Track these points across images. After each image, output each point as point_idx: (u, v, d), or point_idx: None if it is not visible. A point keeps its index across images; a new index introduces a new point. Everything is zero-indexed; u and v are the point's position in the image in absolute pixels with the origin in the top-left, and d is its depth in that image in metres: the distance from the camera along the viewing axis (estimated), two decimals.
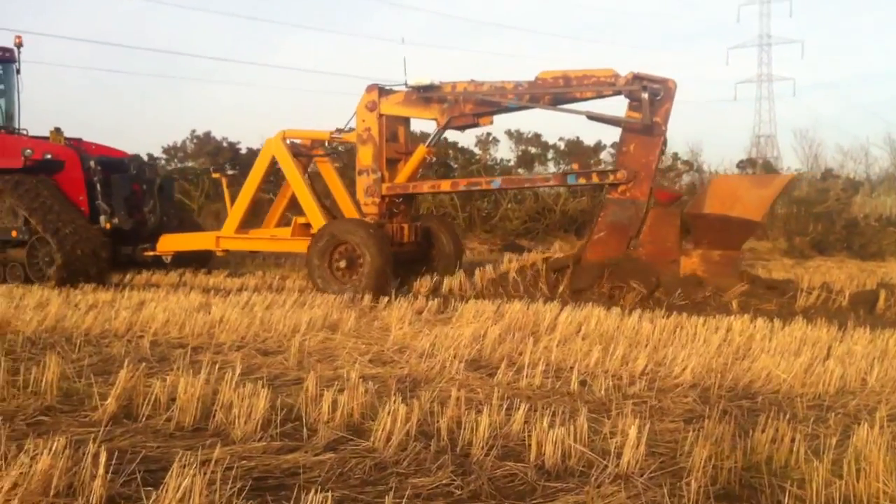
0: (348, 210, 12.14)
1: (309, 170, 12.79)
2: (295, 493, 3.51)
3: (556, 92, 10.65)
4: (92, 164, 12.86)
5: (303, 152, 12.37)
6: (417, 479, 3.83)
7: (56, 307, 8.64)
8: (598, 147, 22.90)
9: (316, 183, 12.66)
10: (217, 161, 24.00)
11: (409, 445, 4.23)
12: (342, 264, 10.70)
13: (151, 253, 12.96)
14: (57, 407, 5.11)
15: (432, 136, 11.88)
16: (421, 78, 11.09)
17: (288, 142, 12.01)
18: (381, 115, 11.23)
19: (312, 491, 3.36)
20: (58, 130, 13.55)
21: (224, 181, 13.15)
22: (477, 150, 23.44)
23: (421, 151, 11.47)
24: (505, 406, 4.78)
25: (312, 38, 67.72)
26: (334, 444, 4.34)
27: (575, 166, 12.59)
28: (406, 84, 11.19)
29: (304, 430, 4.51)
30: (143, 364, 5.71)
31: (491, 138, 23.20)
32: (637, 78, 10.08)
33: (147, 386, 5.13)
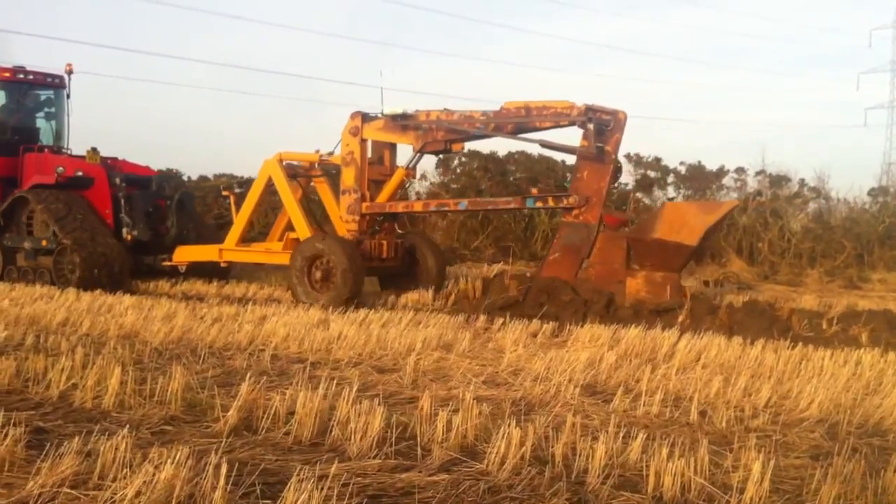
0: (340, 227, 12.70)
1: (307, 189, 13.59)
2: None
3: (518, 121, 11.39)
4: (118, 180, 14.15)
5: (300, 173, 13.20)
6: None
7: (182, 319, 8.94)
8: (721, 172, 22.37)
9: (313, 201, 13.55)
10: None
11: (524, 470, 4.19)
12: (318, 276, 11.61)
13: (168, 263, 13.91)
14: (181, 417, 5.27)
15: (409, 160, 12.51)
16: (395, 107, 11.98)
17: (285, 163, 12.93)
18: (363, 140, 12.18)
19: None
20: (94, 150, 14.70)
21: (232, 198, 14.01)
22: None
23: (399, 174, 12.36)
24: (622, 434, 4.68)
25: (432, 61, 68.48)
26: (448, 465, 4.33)
27: (534, 191, 13.35)
28: (381, 113, 12.07)
29: (419, 449, 4.52)
30: (264, 378, 5.83)
31: None
32: (589, 109, 10.75)
33: (267, 399, 5.24)
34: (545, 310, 9.70)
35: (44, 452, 3.96)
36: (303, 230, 12.51)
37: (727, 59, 76.89)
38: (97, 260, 13.10)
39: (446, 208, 15.46)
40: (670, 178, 22.83)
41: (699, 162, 22.56)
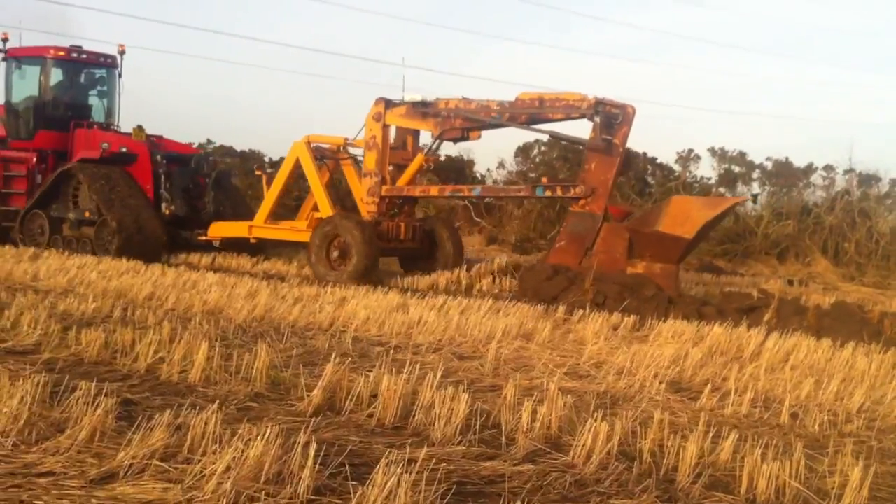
0: (363, 208, 13.04)
1: (334, 171, 14.07)
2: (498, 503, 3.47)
3: (532, 112, 11.73)
4: (159, 157, 14.85)
5: (328, 155, 13.67)
6: (620, 501, 3.71)
7: (265, 298, 9.03)
8: (810, 169, 21.79)
9: (342, 183, 14.07)
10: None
11: (611, 465, 4.10)
12: (336, 254, 12.16)
13: (203, 238, 14.51)
14: (265, 394, 5.31)
15: (429, 146, 12.89)
16: (414, 94, 12.48)
17: (313, 146, 13.39)
18: (385, 125, 12.60)
19: (515, 502, 3.31)
20: (140, 128, 15.49)
21: (264, 178, 14.32)
22: (677, 167, 22.86)
23: (419, 159, 12.75)
24: (711, 433, 4.55)
25: (510, 49, 68.03)
26: (532, 456, 4.28)
27: (544, 180, 13.42)
28: (402, 100, 12.51)
29: (503, 438, 4.47)
30: (347, 359, 5.84)
31: (693, 155, 22.56)
32: (599, 103, 10.95)
33: (351, 381, 5.24)
34: (626, 304, 9.54)
35: (135, 424, 4.01)
36: (326, 210, 13.01)
37: (815, 53, 74.74)
38: (135, 232, 13.85)
39: (460, 193, 15.92)
40: (756, 174, 22.32)
41: (786, 158, 22.02)
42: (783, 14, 73.91)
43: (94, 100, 16.55)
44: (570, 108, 11.36)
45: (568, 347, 7.41)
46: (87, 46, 16.24)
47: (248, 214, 14.60)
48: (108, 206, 13.98)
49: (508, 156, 23.15)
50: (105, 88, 16.52)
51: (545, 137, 23.86)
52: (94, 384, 4.52)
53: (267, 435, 3.75)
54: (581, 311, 9.10)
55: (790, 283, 14.54)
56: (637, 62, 67.60)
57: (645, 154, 21.81)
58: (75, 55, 15.89)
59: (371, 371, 5.49)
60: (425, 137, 13.08)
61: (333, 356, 5.51)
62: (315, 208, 13.55)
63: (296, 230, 13.56)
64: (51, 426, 4.09)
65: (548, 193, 12.33)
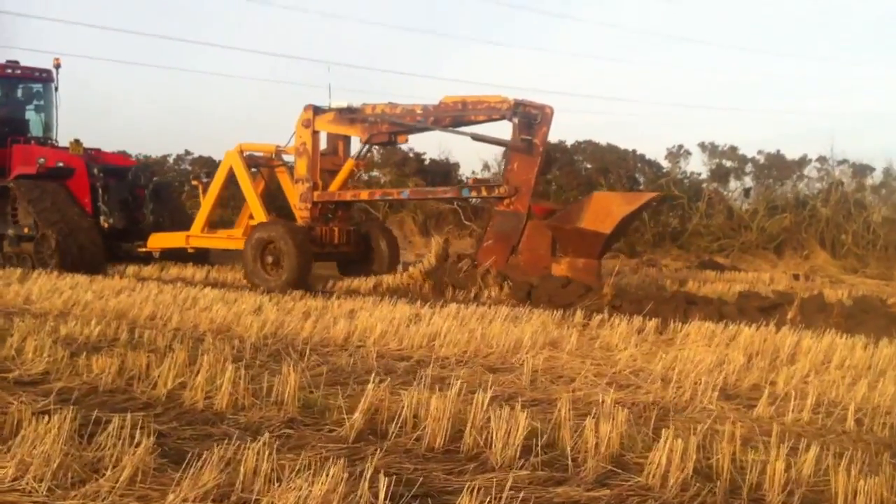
0: (297, 214, 13.22)
1: (269, 178, 14.12)
2: None
3: (455, 115, 11.95)
4: (96, 171, 14.96)
5: (261, 163, 13.84)
6: None
7: (273, 313, 8.71)
8: (804, 161, 21.65)
9: (276, 189, 14.26)
10: (404, 171, 24.29)
11: (691, 486, 3.82)
12: (270, 260, 12.28)
13: (143, 249, 14.64)
14: (299, 419, 4.99)
15: (358, 151, 13.25)
16: (340, 101, 12.72)
17: (246, 154, 13.61)
18: (315, 132, 12.82)
19: None
20: (77, 141, 15.50)
21: (200, 186, 14.55)
22: (666, 164, 22.69)
23: (349, 164, 13.05)
24: (786, 445, 4.28)
25: (481, 52, 67.78)
26: (604, 479, 3.99)
27: (471, 180, 13.84)
28: (329, 106, 12.73)
29: (568, 460, 4.18)
30: (376, 377, 5.52)
31: (682, 151, 22.41)
32: (518, 104, 11.27)
33: (393, 402, 4.94)
34: (650, 307, 9.28)
35: (183, 463, 3.68)
36: (260, 217, 13.20)
37: (788, 47, 75.09)
38: (73, 246, 13.93)
39: (390, 197, 16.25)
40: (748, 168, 22.14)
41: (778, 151, 21.88)
42: (753, 10, 74.14)
43: (31, 115, 16.63)
44: (492, 110, 11.60)
45: (597, 355, 7.13)
46: (27, 56, 16.24)
47: (188, 224, 14.57)
48: (46, 221, 14.08)
49: (493, 158, 22.96)
50: (42, 103, 16.61)
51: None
52: (127, 417, 4.18)
53: (331, 470, 3.43)
54: (600, 316, 8.85)
55: (796, 277, 14.35)
56: (616, 62, 67.44)
57: (634, 151, 21.68)
58: (10, 71, 16.01)
59: (404, 389, 5.20)
60: (357, 143, 13.25)
61: (374, 376, 5.18)
62: (251, 216, 13.67)
63: (232, 238, 13.74)
64: (85, 467, 3.75)
65: (473, 194, 12.63)
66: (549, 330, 7.91)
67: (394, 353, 7.16)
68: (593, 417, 4.48)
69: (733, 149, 22.18)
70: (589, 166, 22.49)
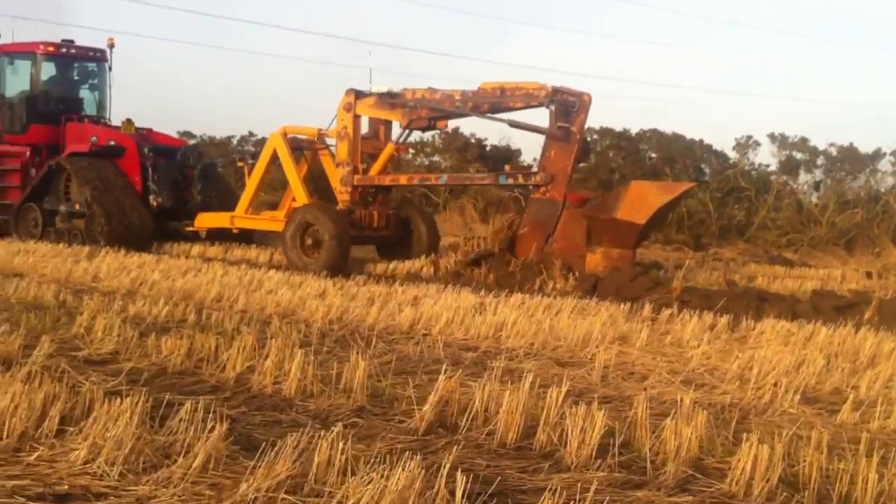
0: (338, 197, 13.30)
1: (312, 161, 14.36)
2: None
3: (494, 101, 11.95)
4: (146, 150, 15.25)
5: (305, 146, 13.95)
6: None
7: (337, 299, 8.68)
8: (878, 154, 21.01)
9: (320, 172, 14.42)
10: (465, 157, 24.17)
11: (777, 496, 3.66)
12: (309, 242, 12.35)
13: (190, 228, 14.88)
14: (368, 409, 4.92)
15: (398, 135, 13.23)
16: (380, 86, 12.78)
17: (290, 136, 13.70)
18: (356, 116, 12.89)
19: None
20: (129, 121, 15.75)
21: (246, 169, 14.59)
22: (734, 154, 22.20)
23: (389, 149, 13.03)
24: (877, 455, 4.08)
25: (541, 35, 67.15)
26: (684, 484, 3.85)
27: (507, 167, 13.44)
28: (370, 91, 12.79)
29: (647, 462, 4.04)
30: (458, 370, 5.42)
31: (751, 141, 21.89)
32: (556, 91, 11.22)
33: (463, 394, 4.84)
34: (722, 303, 9.04)
35: (259, 451, 3.63)
36: (302, 200, 13.31)
37: (859, 36, 73.03)
38: (123, 223, 14.34)
39: (429, 182, 16.32)
40: (820, 160, 21.54)
41: (851, 143, 21.21)
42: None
43: (85, 93, 16.94)
44: (529, 97, 11.58)
45: (669, 351, 6.95)
46: (87, 35, 16.63)
47: (235, 205, 14.71)
48: (97, 198, 14.42)
49: None
50: (95, 82, 16.94)
51: (597, 126, 23.46)
52: (199, 402, 4.14)
53: (408, 465, 3.34)
54: (669, 311, 8.65)
55: (869, 275, 13.93)
56: (681, 48, 66.35)
57: (701, 141, 21.26)
58: (65, 50, 16.34)
59: (473, 381, 5.10)
60: (398, 127, 13.25)
61: (444, 367, 5.08)
62: (294, 199, 13.75)
63: (275, 220, 13.82)
64: (157, 452, 3.72)
65: (510, 181, 12.60)
66: (619, 324, 7.74)
67: (460, 342, 7.07)
68: (672, 419, 4.33)
69: (804, 140, 21.62)
70: (654, 155, 22.12)
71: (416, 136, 28.87)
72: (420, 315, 7.92)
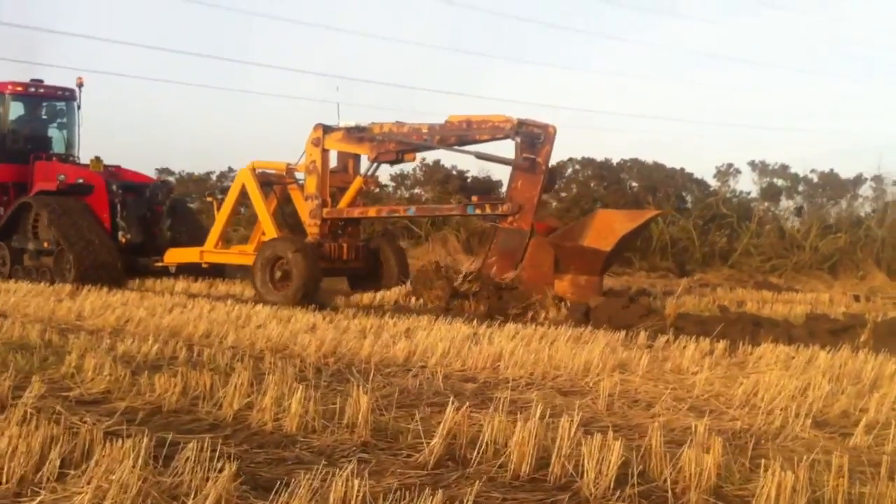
0: (308, 230, 13.52)
1: (281, 195, 14.46)
2: None
3: (461, 134, 12.13)
4: (115, 187, 15.31)
5: (274, 180, 14.10)
6: None
7: (329, 332, 8.54)
8: (859, 180, 21.20)
9: (288, 205, 14.61)
10: (447, 188, 24.14)
11: None
12: (279, 275, 12.41)
13: (160, 264, 14.94)
14: (373, 443, 4.79)
15: (366, 169, 13.34)
16: (348, 121, 12.95)
17: (259, 171, 13.86)
18: (324, 150, 13.07)
19: None
20: (97, 159, 15.86)
21: (215, 204, 14.85)
22: (714, 182, 22.32)
23: (357, 182, 13.32)
24: None
25: (521, 70, 67.78)
26: None
27: (475, 199, 13.61)
28: (338, 125, 12.99)
29: (668, 493, 3.94)
30: (459, 401, 5.30)
31: (732, 169, 22.04)
32: (521, 123, 11.45)
33: (471, 426, 4.72)
34: (719, 329, 8.99)
35: (273, 491, 3.50)
36: (271, 234, 13.47)
37: (837, 68, 74.11)
38: (91, 260, 14.30)
39: (397, 214, 16.48)
40: (801, 187, 21.69)
41: (832, 170, 21.39)
42: (799, 31, 73.30)
43: (53, 132, 17.11)
44: (496, 130, 11.76)
45: (669, 378, 6.86)
46: (62, 73, 16.72)
47: (204, 239, 14.76)
48: (65, 236, 14.44)
49: None
50: (64, 121, 17.09)
51: (579, 156, 23.51)
52: (205, 441, 4.00)
53: (427, 500, 3.22)
54: (665, 338, 8.58)
55: (856, 298, 13.95)
56: (661, 81, 67.01)
57: (682, 170, 21.32)
58: (33, 90, 16.48)
59: (476, 412, 4.99)
60: (367, 161, 13.38)
61: (451, 400, 4.97)
62: (263, 233, 13.88)
63: (244, 254, 13.94)
64: (164, 494, 3.58)
65: (478, 211, 12.70)
66: (617, 352, 7.65)
67: (458, 374, 6.95)
68: (690, 446, 4.23)
69: (784, 167, 21.82)
70: (635, 185, 22.18)
71: (396, 168, 29.02)
72: (415, 347, 7.80)
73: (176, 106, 59.99)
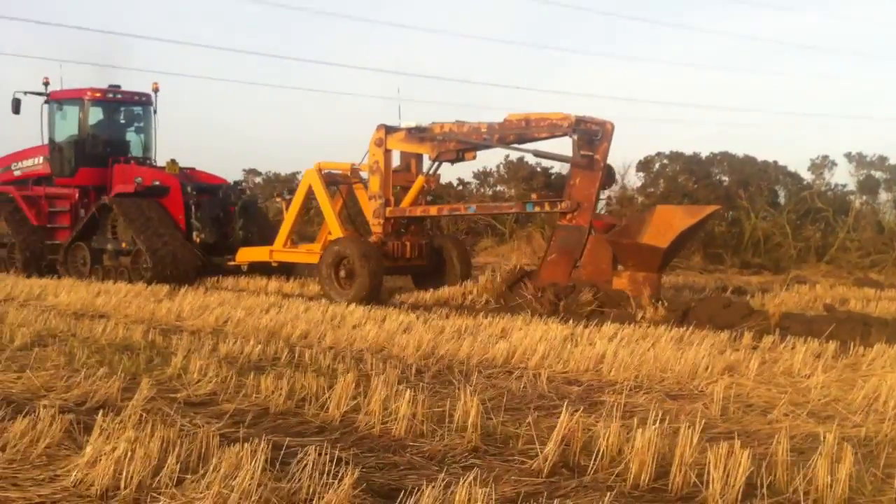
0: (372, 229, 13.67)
1: (347, 195, 14.74)
2: None
3: (519, 132, 12.16)
4: (189, 189, 15.81)
5: (339, 180, 14.34)
6: None
7: (426, 333, 8.48)
8: None
9: (354, 205, 14.87)
10: (531, 186, 23.97)
11: None
12: (343, 274, 12.62)
13: (232, 263, 15.30)
14: (483, 448, 4.71)
15: (428, 168, 13.49)
16: (409, 121, 13.08)
17: (325, 172, 14.07)
18: (387, 150, 13.23)
19: None
20: (173, 161, 16.41)
21: (284, 204, 15.05)
22: (809, 175, 21.64)
23: (419, 181, 13.45)
24: None
25: (595, 62, 66.87)
26: None
27: (534, 196, 13.86)
28: (399, 126, 13.11)
29: None
30: (564, 404, 5.18)
31: (828, 161, 21.32)
32: (579, 121, 11.40)
33: (586, 432, 4.60)
34: (831, 329, 8.67)
35: (397, 501, 3.44)
36: (337, 233, 13.66)
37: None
38: (167, 260, 14.76)
39: (458, 212, 16.41)
40: None
41: None
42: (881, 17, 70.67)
43: (131, 136, 17.53)
44: (554, 127, 11.74)
45: (781, 381, 6.61)
46: (136, 76, 17.21)
47: (274, 239, 15.01)
48: (142, 236, 14.90)
49: (629, 171, 22.36)
50: (141, 125, 17.54)
51: (667, 151, 23.08)
52: (325, 448, 3.97)
53: None
54: (770, 339, 8.30)
55: None
56: (749, 72, 65.42)
57: (775, 163, 20.76)
58: (111, 95, 16.95)
59: (584, 416, 4.86)
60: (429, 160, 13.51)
61: (566, 406, 4.85)
62: (330, 232, 14.10)
63: (311, 252, 14.15)
64: (283, 501, 3.56)
65: (537, 209, 13.03)
66: (726, 354, 7.42)
67: (560, 376, 6.83)
68: (820, 455, 4.04)
69: (883, 159, 21.02)
70: (726, 179, 21.67)
71: (479, 165, 28.92)
72: (514, 348, 7.70)
73: (260, 107, 60.93)
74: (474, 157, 13.35)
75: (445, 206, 16.26)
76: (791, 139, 48.77)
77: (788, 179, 21.60)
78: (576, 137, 11.38)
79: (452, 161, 13.31)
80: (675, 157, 21.74)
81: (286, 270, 15.59)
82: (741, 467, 3.91)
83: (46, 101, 16.94)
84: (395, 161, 13.72)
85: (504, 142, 12.58)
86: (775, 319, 9.19)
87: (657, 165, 22.03)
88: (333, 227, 13.83)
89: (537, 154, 12.61)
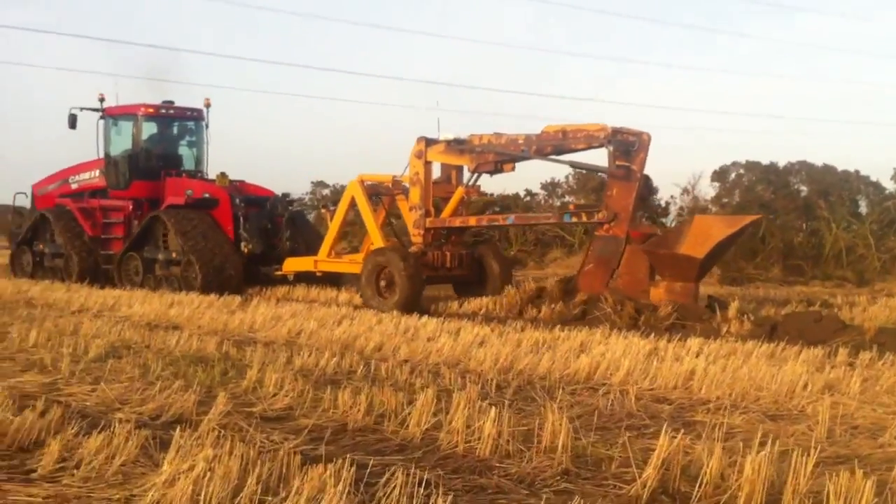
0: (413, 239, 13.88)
1: (390, 206, 14.82)
2: None
3: (556, 143, 12.23)
4: (238, 201, 16.10)
5: (382, 191, 14.48)
6: None
7: (502, 346, 8.23)
8: None
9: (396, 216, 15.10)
10: (600, 197, 23.57)
11: None
12: (383, 283, 12.79)
13: (279, 273, 15.52)
14: (574, 471, 4.44)
15: (467, 179, 13.64)
16: (447, 134, 13.23)
17: (367, 184, 14.27)
18: (427, 162, 13.40)
19: None
20: (223, 174, 16.65)
21: (327, 215, 15.54)
22: (892, 185, 20.88)
23: (459, 192, 13.60)
24: None
25: (657, 73, 65.88)
26: None
27: (571, 206, 13.91)
28: (438, 139, 13.28)
29: None
30: (681, 430, 4.88)
31: None
32: (616, 132, 11.47)
33: (685, 455, 4.30)
34: None
35: None
36: (378, 243, 13.84)
37: None
38: (216, 270, 15.04)
39: (497, 223, 16.50)
40: None
41: None
42: None
43: (183, 150, 17.92)
44: (591, 138, 11.82)
45: (887, 400, 6.21)
46: (194, 90, 17.55)
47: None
48: (192, 247, 15.20)
49: (703, 181, 21.83)
50: (193, 139, 17.92)
51: (743, 160, 22.50)
52: (412, 472, 3.75)
53: None
54: (868, 355, 7.86)
55: None
56: (824, 82, 63.88)
57: (857, 172, 20.03)
58: (164, 111, 17.35)
59: (686, 438, 4.55)
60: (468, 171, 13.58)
61: (665, 427, 4.56)
62: (372, 242, 14.28)
63: (354, 263, 14.31)
64: None
65: (574, 219, 13.18)
66: (824, 371, 7.02)
67: (648, 393, 6.51)
68: None
69: None
70: (805, 189, 21.01)
71: (547, 176, 28.61)
72: (596, 363, 7.39)
73: (325, 120, 61.44)
74: (513, 169, 13.47)
75: (485, 217, 16.30)
76: (873, 147, 47.34)
77: (870, 189, 20.86)
78: (612, 148, 11.44)
79: (491, 173, 13.46)
80: (752, 166, 21.15)
81: (333, 280, 15.80)
82: (864, 498, 3.58)
83: (102, 117, 17.41)
84: (436, 172, 13.89)
85: (541, 153, 12.62)
86: (870, 334, 8.73)
87: (733, 175, 21.47)
88: (375, 238, 14.03)
89: (574, 165, 12.69)
